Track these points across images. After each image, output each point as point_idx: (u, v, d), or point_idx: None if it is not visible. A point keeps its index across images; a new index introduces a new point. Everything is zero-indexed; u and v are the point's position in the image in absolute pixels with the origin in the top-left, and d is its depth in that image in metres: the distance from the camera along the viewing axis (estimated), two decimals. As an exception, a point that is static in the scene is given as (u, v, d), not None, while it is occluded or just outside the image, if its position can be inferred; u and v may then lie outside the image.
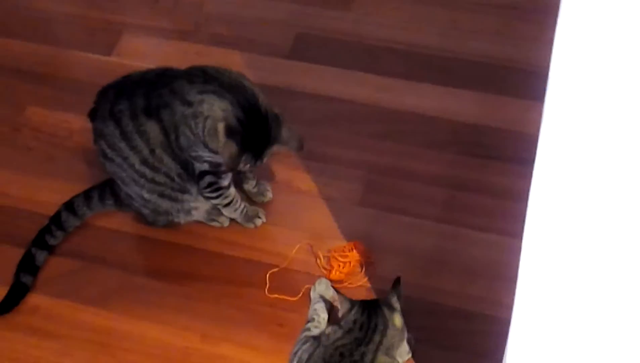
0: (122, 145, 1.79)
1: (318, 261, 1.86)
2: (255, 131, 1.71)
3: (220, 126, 1.69)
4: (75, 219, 1.92)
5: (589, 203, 1.09)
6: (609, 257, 1.15)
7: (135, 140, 1.78)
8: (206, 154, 1.76)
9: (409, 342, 1.67)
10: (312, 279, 1.82)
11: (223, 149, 1.70)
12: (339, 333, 1.64)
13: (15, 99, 2.20)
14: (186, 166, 1.79)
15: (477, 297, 1.80)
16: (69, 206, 1.92)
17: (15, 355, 1.79)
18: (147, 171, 1.81)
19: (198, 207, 1.88)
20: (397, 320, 1.65)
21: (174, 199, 1.85)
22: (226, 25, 2.31)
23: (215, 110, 1.71)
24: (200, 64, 1.83)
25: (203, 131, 1.72)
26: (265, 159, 1.76)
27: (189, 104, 1.74)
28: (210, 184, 1.81)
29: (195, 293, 1.85)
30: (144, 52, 2.28)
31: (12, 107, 2.18)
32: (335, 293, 1.68)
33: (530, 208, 1.14)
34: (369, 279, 1.83)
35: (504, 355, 1.47)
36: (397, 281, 1.68)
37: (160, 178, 1.81)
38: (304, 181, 2.00)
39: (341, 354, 1.62)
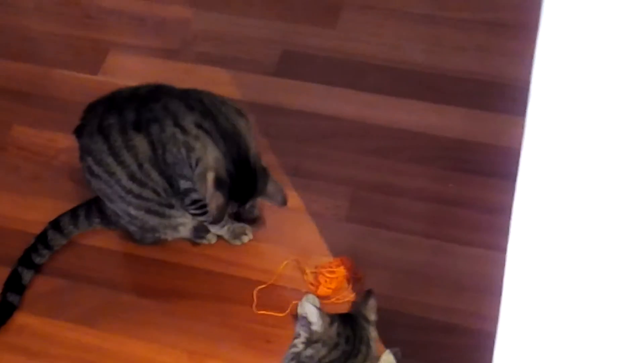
0: (110, 160, 1.78)
1: (305, 277, 1.86)
2: (242, 183, 1.72)
3: (210, 176, 1.70)
4: (61, 238, 1.92)
5: (572, 216, 1.10)
6: (593, 269, 1.15)
7: (123, 155, 1.78)
8: (191, 175, 1.76)
9: (395, 356, 1.67)
10: (300, 295, 1.81)
11: (210, 199, 1.71)
12: (323, 351, 1.62)
13: (2, 118, 2.20)
14: (171, 181, 1.79)
15: (463, 311, 1.80)
16: (55, 225, 1.92)
17: (2, 374, 1.79)
18: (134, 187, 1.80)
19: (185, 223, 1.88)
20: (373, 332, 1.65)
21: (161, 215, 1.84)
22: (212, 44, 2.32)
23: (208, 156, 1.71)
24: (192, 87, 1.83)
25: (191, 167, 1.73)
26: (248, 205, 1.80)
27: (183, 130, 1.73)
28: (194, 202, 1.81)
29: (182, 310, 1.85)
30: (130, 71, 2.28)
31: (-2, 126, 2.19)
32: (311, 308, 1.67)
33: (514, 221, 1.14)
34: (356, 295, 1.83)
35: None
36: (368, 293, 1.68)
37: (147, 194, 1.81)
38: (290, 197, 1.98)
39: None
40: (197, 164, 1.71)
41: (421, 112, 2.13)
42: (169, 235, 1.89)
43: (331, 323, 1.64)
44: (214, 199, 1.70)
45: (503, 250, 1.26)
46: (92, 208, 1.92)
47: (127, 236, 1.92)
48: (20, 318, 1.85)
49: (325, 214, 1.97)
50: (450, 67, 2.21)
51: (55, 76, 2.29)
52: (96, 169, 1.81)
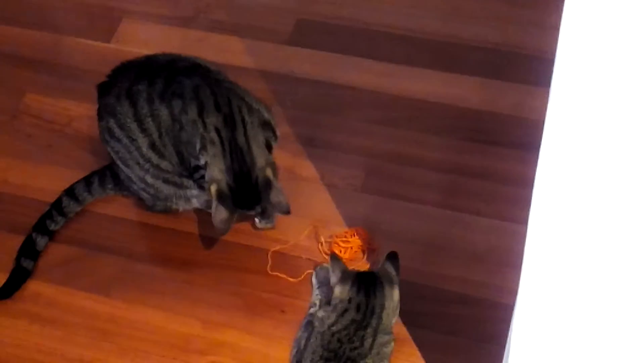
0: (134, 126, 1.78)
1: (320, 246, 1.85)
2: (243, 196, 1.73)
3: (213, 188, 1.72)
4: (76, 205, 1.92)
5: (594, 189, 1.09)
6: (614, 243, 1.15)
7: (147, 123, 1.77)
8: (197, 158, 1.77)
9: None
10: (314, 265, 1.82)
11: (214, 212, 1.73)
12: (332, 317, 1.62)
13: (14, 86, 2.19)
14: (182, 156, 1.79)
15: (479, 283, 1.80)
16: (70, 192, 1.92)
17: (17, 342, 1.79)
18: (153, 156, 1.80)
19: (199, 195, 1.87)
20: (396, 294, 1.64)
21: (178, 186, 1.84)
22: (226, 11, 2.30)
23: (215, 168, 1.72)
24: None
25: (198, 160, 1.75)
26: (261, 222, 1.81)
27: (204, 125, 1.73)
28: (203, 176, 1.80)
29: (197, 279, 1.85)
30: (143, 39, 2.27)
31: (11, 94, 2.17)
32: (330, 258, 1.67)
33: (536, 193, 1.13)
34: (371, 265, 1.83)
35: (508, 341, 1.47)
36: (393, 255, 1.68)
37: (165, 165, 1.81)
38: (305, 167, 1.99)
39: (339, 340, 1.61)
40: (205, 166, 1.73)
41: (437, 82, 2.11)
42: (180, 205, 1.88)
43: (343, 281, 1.63)
44: (217, 213, 1.73)
45: (520, 222, 1.25)
46: (106, 174, 1.92)
47: (141, 204, 1.92)
48: (35, 286, 1.85)
49: (341, 185, 1.96)
50: (467, 36, 2.19)
51: (68, 44, 2.28)
52: (118, 132, 1.80)
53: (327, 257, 1.84)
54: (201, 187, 1.82)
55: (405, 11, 2.25)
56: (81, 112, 2.12)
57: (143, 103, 1.76)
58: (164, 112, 1.76)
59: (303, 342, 1.67)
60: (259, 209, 1.76)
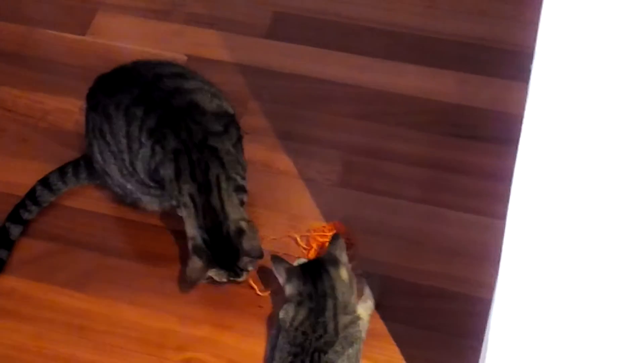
0: (124, 141, 1.78)
1: (298, 240, 1.85)
2: (219, 249, 1.73)
3: (190, 244, 1.73)
4: (50, 194, 1.91)
5: (573, 184, 1.09)
6: (592, 237, 1.15)
7: (134, 146, 1.78)
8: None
9: (371, 286, 1.67)
10: (292, 260, 1.81)
11: (189, 263, 1.74)
12: (291, 312, 1.63)
13: (-12, 79, 2.17)
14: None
15: (457, 277, 1.80)
16: (44, 182, 1.91)
17: (-9, 338, 1.77)
18: (131, 170, 1.82)
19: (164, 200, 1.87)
20: (344, 273, 1.64)
21: (149, 187, 1.84)
22: (203, 5, 2.28)
23: (189, 227, 1.74)
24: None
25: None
26: (244, 273, 1.77)
27: (179, 189, 1.74)
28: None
29: (173, 275, 1.84)
30: (118, 32, 2.25)
31: (-16, 87, 2.15)
32: (272, 260, 1.67)
33: (514, 188, 1.13)
34: (349, 260, 1.82)
35: (486, 335, 1.48)
36: (335, 237, 1.68)
37: (138, 178, 1.83)
38: (283, 161, 1.98)
39: (304, 333, 1.61)
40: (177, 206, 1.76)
41: (416, 76, 2.11)
42: (150, 206, 1.88)
43: (289, 280, 1.63)
44: (191, 263, 1.73)
45: (498, 216, 1.25)
46: (80, 163, 1.92)
47: (116, 199, 1.91)
48: (10, 282, 1.84)
49: (318, 179, 1.95)
50: (446, 30, 2.19)
51: (42, 37, 2.26)
52: (108, 136, 1.80)
53: (304, 251, 1.83)
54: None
55: (384, 5, 2.25)
56: (55, 105, 2.10)
57: (136, 128, 1.77)
58: (146, 149, 1.77)
59: (274, 340, 1.66)
60: (237, 270, 1.75)
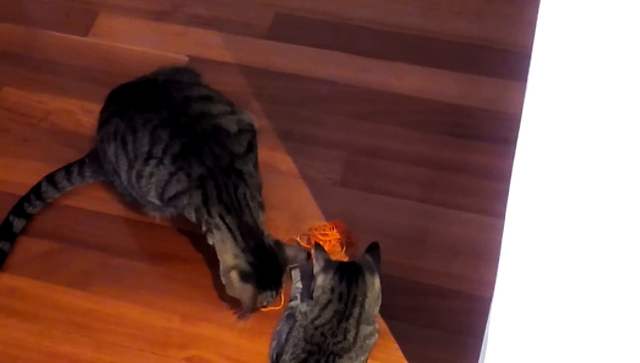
0: (143, 158, 1.78)
1: (298, 239, 1.85)
2: (267, 268, 1.72)
3: (234, 275, 1.70)
4: (54, 191, 1.93)
5: (571, 183, 1.10)
6: (591, 236, 1.16)
7: (150, 165, 1.77)
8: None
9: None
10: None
11: (241, 294, 1.72)
12: (315, 311, 1.63)
13: (-10, 79, 2.18)
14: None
15: (457, 276, 1.81)
16: (50, 179, 1.93)
17: (-7, 336, 1.78)
18: (137, 189, 1.82)
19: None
20: (377, 283, 1.65)
21: (154, 207, 1.85)
22: (204, 6, 2.29)
23: (228, 255, 1.72)
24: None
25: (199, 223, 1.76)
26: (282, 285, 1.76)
27: (208, 212, 1.74)
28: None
29: (175, 273, 1.85)
30: (120, 33, 2.26)
31: (-13, 87, 2.16)
32: (314, 247, 1.67)
33: (513, 187, 1.14)
34: (350, 259, 1.83)
35: (486, 333, 1.48)
36: (374, 245, 1.69)
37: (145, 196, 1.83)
38: (283, 161, 1.99)
39: (322, 334, 1.62)
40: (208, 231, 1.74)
41: (416, 76, 2.12)
42: (151, 212, 1.88)
43: (325, 270, 1.63)
44: (244, 293, 1.71)
45: (497, 215, 1.26)
46: (85, 162, 1.94)
47: (119, 199, 1.92)
48: (12, 281, 1.84)
49: (319, 179, 1.96)
50: (445, 31, 2.20)
51: (45, 38, 2.26)
52: (130, 148, 1.80)
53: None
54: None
55: (383, 6, 2.26)
56: (57, 106, 2.11)
57: (159, 150, 1.76)
58: (165, 172, 1.76)
59: (284, 335, 1.67)
60: (280, 286, 1.74)
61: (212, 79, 1.92)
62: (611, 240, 1.15)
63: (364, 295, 1.63)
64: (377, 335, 1.65)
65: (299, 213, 1.90)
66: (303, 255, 1.76)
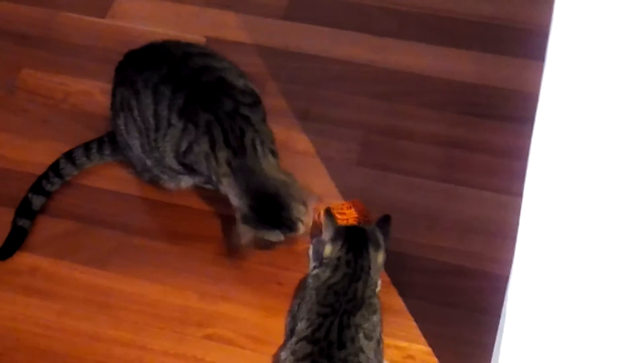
0: (151, 120, 1.79)
1: (316, 217, 1.86)
2: (268, 209, 1.73)
3: (237, 216, 1.72)
4: (73, 168, 1.94)
5: (588, 162, 1.10)
6: (608, 214, 1.16)
7: (162, 125, 1.78)
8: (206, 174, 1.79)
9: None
10: (310, 237, 1.83)
11: (242, 234, 1.74)
12: (328, 272, 1.66)
13: (10, 61, 2.19)
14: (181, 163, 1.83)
15: (474, 254, 1.81)
16: (68, 155, 1.94)
17: (14, 315, 1.80)
18: (155, 151, 1.83)
19: (189, 179, 1.89)
20: (380, 258, 1.68)
21: (173, 171, 1.86)
22: (221, -14, 2.30)
23: (233, 197, 1.75)
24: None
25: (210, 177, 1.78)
26: (299, 223, 1.74)
27: (215, 158, 1.75)
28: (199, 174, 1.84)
29: (194, 252, 1.86)
30: (138, 14, 2.26)
31: (6, 69, 2.17)
32: (325, 213, 1.70)
33: (531, 165, 1.14)
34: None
35: (503, 311, 1.49)
36: (385, 219, 1.71)
37: (163, 160, 1.84)
38: (300, 141, 2.00)
39: (335, 292, 1.64)
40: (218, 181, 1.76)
41: (432, 56, 2.12)
42: (168, 184, 1.89)
43: (334, 240, 1.67)
44: (243, 235, 1.73)
45: (515, 194, 1.26)
46: (104, 140, 1.94)
47: (137, 179, 1.93)
48: (33, 260, 1.86)
49: (336, 158, 1.97)
50: (461, 10, 2.19)
51: (63, 19, 2.27)
52: (136, 113, 1.81)
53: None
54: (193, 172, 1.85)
55: (400, -15, 2.25)
56: (77, 87, 2.12)
57: (164, 107, 1.77)
58: (176, 129, 1.77)
59: (296, 307, 1.69)
60: (289, 223, 1.74)
61: (229, 60, 1.92)
62: (628, 219, 1.15)
63: (368, 267, 1.67)
64: (378, 296, 1.67)
65: (317, 192, 1.90)
66: (312, 197, 1.76)
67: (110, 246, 1.88)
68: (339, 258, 1.67)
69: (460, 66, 2.09)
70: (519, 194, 1.18)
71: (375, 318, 1.64)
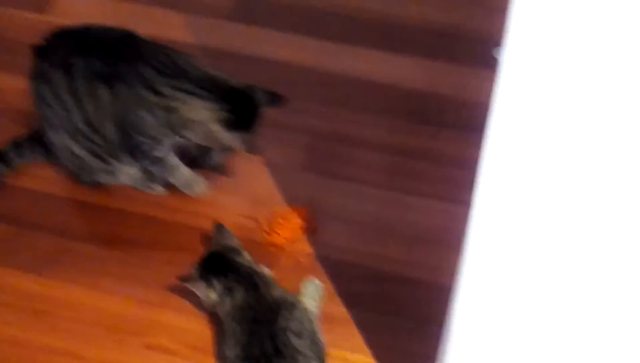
0: (67, 98, 1.76)
1: (259, 224, 1.84)
2: (242, 108, 1.73)
3: (215, 127, 1.70)
4: (5, 168, 1.90)
5: (540, 172, 1.10)
6: (559, 224, 1.16)
7: (83, 99, 1.75)
8: (161, 134, 1.75)
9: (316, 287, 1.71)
10: (253, 245, 1.79)
11: (230, 142, 1.74)
12: (228, 300, 1.64)
13: (-56, 57, 2.13)
14: (126, 136, 1.77)
15: (419, 263, 1.81)
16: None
17: (-54, 322, 1.74)
18: (87, 130, 1.78)
19: (129, 173, 1.85)
20: (247, 255, 1.69)
21: (103, 160, 1.82)
22: (164, -15, 2.26)
23: (200, 113, 1.71)
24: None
25: (171, 128, 1.74)
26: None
27: (157, 93, 1.72)
28: (155, 158, 1.80)
29: (133, 259, 1.82)
30: (79, 11, 2.23)
31: (-60, 66, 2.12)
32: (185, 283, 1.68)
33: (482, 175, 1.14)
34: (312, 245, 1.82)
35: (449, 321, 1.48)
36: (219, 226, 1.73)
37: (97, 139, 1.79)
38: (245, 146, 1.97)
39: (250, 307, 1.62)
40: (184, 126, 1.72)
41: (380, 62, 2.12)
42: (104, 179, 1.86)
43: (207, 283, 1.65)
44: (233, 142, 1.72)
45: (461, 203, 1.26)
46: (35, 138, 1.90)
47: (74, 180, 1.89)
48: (-35, 265, 1.81)
49: (282, 164, 1.95)
50: (410, 16, 2.20)
51: (1, 15, 2.22)
52: (51, 99, 1.77)
53: (265, 235, 1.82)
54: (144, 166, 1.82)
55: (348, -11, 2.25)
56: (13, 85, 2.07)
57: (80, 79, 1.74)
58: (105, 96, 1.74)
59: (221, 340, 1.66)
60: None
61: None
62: (578, 228, 1.15)
63: (250, 268, 1.66)
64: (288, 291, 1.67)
65: (262, 198, 1.89)
66: (274, 98, 1.77)
67: (47, 251, 1.84)
68: (228, 288, 1.64)
69: (408, 73, 2.09)
70: (465, 203, 1.18)
71: (297, 313, 1.62)
